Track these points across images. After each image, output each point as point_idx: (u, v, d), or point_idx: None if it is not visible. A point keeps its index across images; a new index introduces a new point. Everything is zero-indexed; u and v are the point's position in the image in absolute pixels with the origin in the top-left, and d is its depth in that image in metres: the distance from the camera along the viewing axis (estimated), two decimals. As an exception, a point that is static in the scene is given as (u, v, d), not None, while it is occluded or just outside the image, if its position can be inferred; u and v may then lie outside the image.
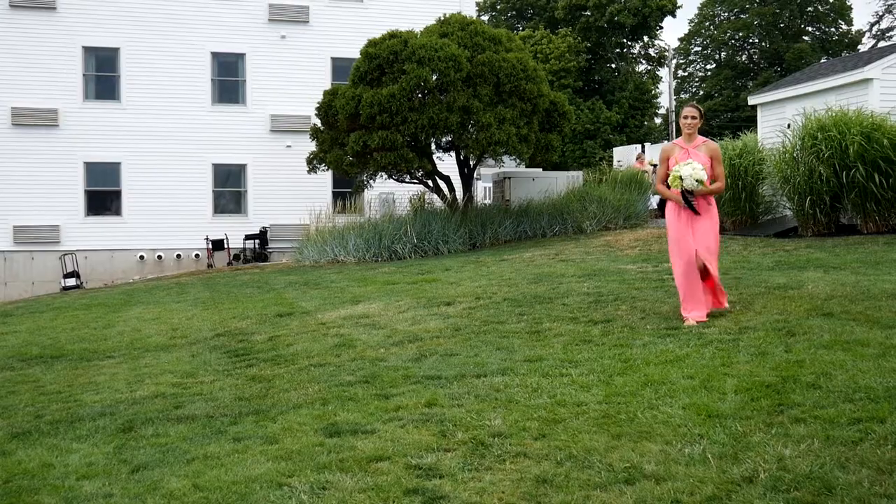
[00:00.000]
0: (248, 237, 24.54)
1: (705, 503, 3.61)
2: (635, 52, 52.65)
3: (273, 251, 24.64)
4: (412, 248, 18.25)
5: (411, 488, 3.97)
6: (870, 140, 13.13)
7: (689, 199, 7.22)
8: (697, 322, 7.15)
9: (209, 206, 24.96)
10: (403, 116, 17.99)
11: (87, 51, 24.32)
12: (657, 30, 50.05)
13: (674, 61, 53.87)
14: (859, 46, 51.56)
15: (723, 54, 57.43)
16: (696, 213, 7.25)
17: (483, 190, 31.54)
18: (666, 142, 29.85)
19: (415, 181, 20.65)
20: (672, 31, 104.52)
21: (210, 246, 24.21)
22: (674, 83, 51.26)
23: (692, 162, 7.16)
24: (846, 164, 13.26)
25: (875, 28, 52.53)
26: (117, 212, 24.39)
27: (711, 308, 7.51)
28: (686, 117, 7.46)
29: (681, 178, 7.11)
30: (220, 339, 9.11)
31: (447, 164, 21.37)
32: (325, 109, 19.66)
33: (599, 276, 10.99)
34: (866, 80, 15.74)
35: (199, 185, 24.78)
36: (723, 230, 15.88)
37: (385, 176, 20.03)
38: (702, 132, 7.67)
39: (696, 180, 7.07)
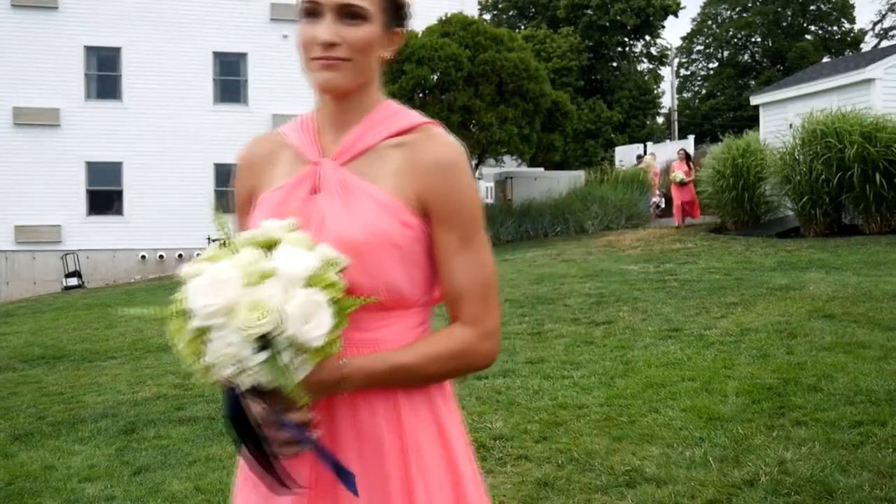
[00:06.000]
0: (249, 237, 24.51)
1: (706, 507, 3.61)
2: (637, 51, 52.62)
3: (275, 251, 24.60)
4: (414, 247, 18.21)
5: (412, 491, 3.96)
6: (871, 140, 13.12)
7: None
8: None
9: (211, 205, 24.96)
10: (404, 116, 17.98)
11: (89, 50, 24.31)
12: (659, 29, 50.04)
13: (676, 60, 53.79)
14: (862, 45, 51.47)
15: (725, 53, 57.32)
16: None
17: (485, 189, 31.52)
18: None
19: (416, 181, 20.62)
20: (674, 30, 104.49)
21: (212, 245, 24.21)
22: (676, 82, 51.21)
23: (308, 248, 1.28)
24: (846, 165, 13.25)
25: (878, 27, 52.44)
26: (119, 211, 24.38)
27: None
28: (308, 16, 1.49)
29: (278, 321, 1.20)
30: (222, 340, 9.10)
31: (449, 163, 21.31)
32: (326, 109, 19.66)
33: (601, 276, 10.98)
34: (869, 81, 15.73)
35: (201, 184, 24.76)
36: (725, 230, 15.97)
37: (386, 175, 19.99)
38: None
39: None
